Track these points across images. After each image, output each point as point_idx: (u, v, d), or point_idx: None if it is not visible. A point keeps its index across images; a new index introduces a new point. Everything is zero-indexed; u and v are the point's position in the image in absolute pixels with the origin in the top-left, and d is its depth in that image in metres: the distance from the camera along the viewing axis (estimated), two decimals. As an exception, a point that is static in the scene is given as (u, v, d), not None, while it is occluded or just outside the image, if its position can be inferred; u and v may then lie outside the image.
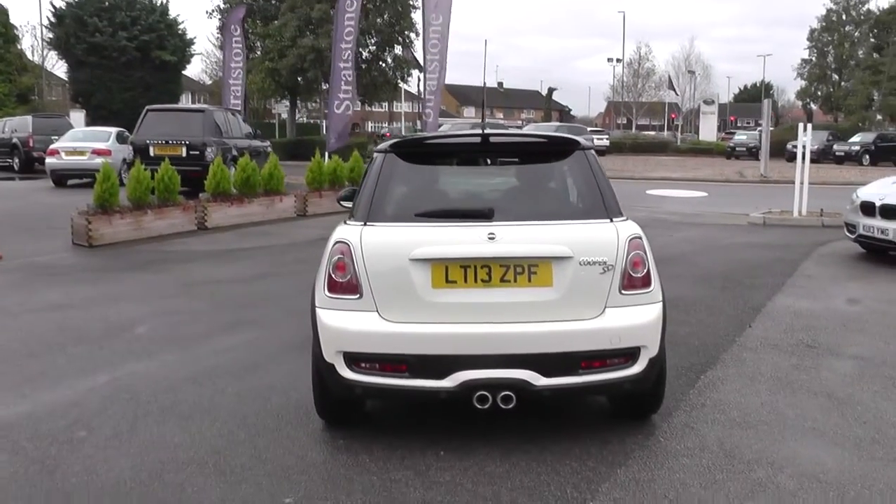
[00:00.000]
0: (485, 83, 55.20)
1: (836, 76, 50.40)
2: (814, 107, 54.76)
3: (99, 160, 16.25)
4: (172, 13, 37.53)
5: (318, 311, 3.67)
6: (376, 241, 3.61)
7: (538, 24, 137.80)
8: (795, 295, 7.13)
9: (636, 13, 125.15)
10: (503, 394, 3.48)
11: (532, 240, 3.60)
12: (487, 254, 3.54)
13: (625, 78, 62.81)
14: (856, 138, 33.67)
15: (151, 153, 13.09)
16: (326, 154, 18.37)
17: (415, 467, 3.50)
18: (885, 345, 5.57)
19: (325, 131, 26.99)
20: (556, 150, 3.97)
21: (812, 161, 12.07)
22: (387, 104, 51.72)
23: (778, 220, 12.30)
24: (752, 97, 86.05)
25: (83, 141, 17.63)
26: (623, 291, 3.66)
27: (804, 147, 12.30)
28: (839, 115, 48.36)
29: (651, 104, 67.30)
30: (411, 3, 31.65)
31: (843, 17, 49.52)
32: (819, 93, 50.64)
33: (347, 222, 3.85)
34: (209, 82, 49.58)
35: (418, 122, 65.56)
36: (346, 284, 3.60)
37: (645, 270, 3.72)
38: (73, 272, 8.28)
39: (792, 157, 30.40)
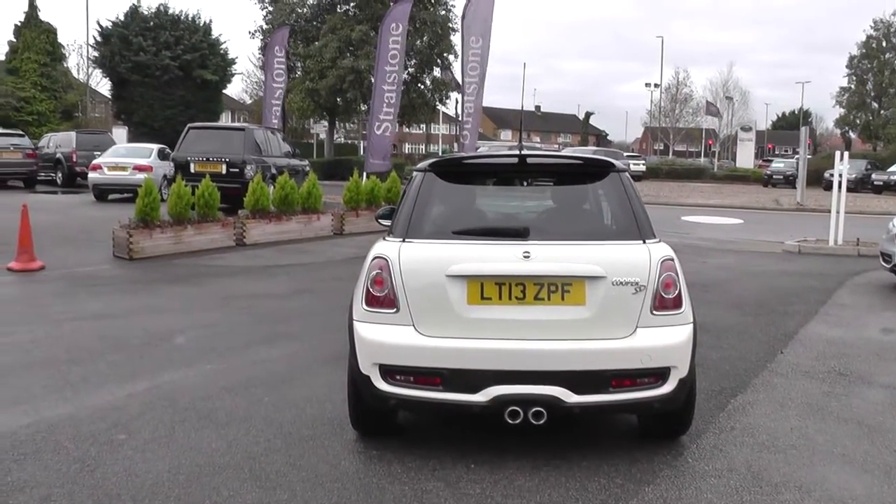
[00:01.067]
0: (522, 106, 55.37)
1: (875, 104, 49.75)
2: (853, 135, 54.09)
3: (140, 176, 16.72)
4: (215, 33, 38.56)
5: (356, 325, 3.78)
6: (414, 257, 3.71)
7: (577, 48, 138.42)
8: (828, 323, 7.08)
9: (675, 38, 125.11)
10: (534, 409, 3.54)
11: (566, 259, 3.68)
12: (522, 272, 3.63)
13: (662, 103, 62.68)
14: (895, 168, 33.14)
15: (192, 170, 13.42)
16: (364, 174, 18.71)
17: (446, 479, 3.58)
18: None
19: (363, 152, 27.53)
20: (591, 171, 4.06)
21: (850, 190, 11.96)
22: (424, 126, 52.25)
23: (813, 249, 12.18)
24: (791, 124, 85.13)
25: (125, 157, 18.11)
26: (654, 312, 3.72)
27: (840, 175, 12.20)
28: (878, 143, 47.67)
29: (688, 130, 66.95)
30: (451, 25, 32.06)
31: (884, 43, 48.95)
32: (858, 121, 50.04)
33: (386, 239, 3.97)
34: (249, 101, 50.61)
35: (454, 145, 66.13)
36: (383, 299, 3.71)
37: (676, 292, 3.78)
38: (113, 283, 8.53)
39: (829, 186, 29.99)
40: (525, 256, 3.65)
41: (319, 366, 5.49)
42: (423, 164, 4.12)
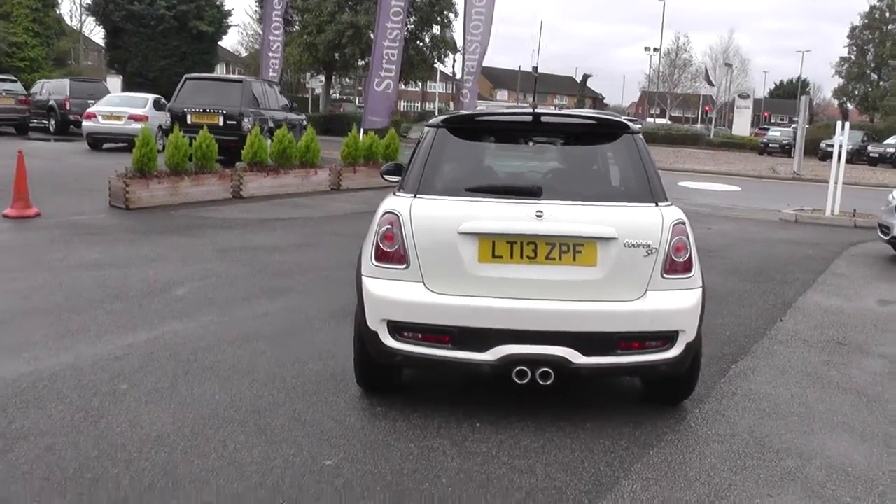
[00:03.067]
0: (536, 68, 54.72)
1: (875, 75, 49.42)
2: (850, 106, 53.84)
3: (135, 125, 16.50)
4: (211, -17, 37.65)
5: (364, 280, 3.74)
6: (425, 214, 3.67)
7: (577, 10, 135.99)
8: (826, 292, 7.10)
9: (678, 2, 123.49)
10: (542, 370, 3.55)
11: (579, 219, 3.64)
12: (535, 231, 3.59)
13: (661, 68, 62.11)
14: (892, 140, 33.06)
15: (189, 121, 13.23)
16: (362, 130, 18.51)
17: (451, 437, 3.59)
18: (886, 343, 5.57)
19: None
20: (605, 132, 4.00)
21: (846, 161, 11.93)
22: (420, 84, 51.61)
23: (810, 218, 12.18)
24: (788, 93, 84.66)
25: (120, 106, 17.84)
26: (665, 275, 3.70)
27: (840, 146, 12.15)
28: (875, 115, 47.49)
29: (686, 96, 66.52)
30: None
31: (887, 14, 48.41)
32: (856, 92, 49.78)
33: (397, 194, 3.92)
34: (244, 54, 49.80)
35: (451, 104, 65.36)
36: (393, 254, 3.67)
37: (687, 255, 3.76)
38: (110, 232, 8.45)
39: (825, 156, 30.14)
40: (538, 215, 3.61)
41: (321, 321, 5.47)
42: (435, 120, 4.05)
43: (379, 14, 17.79)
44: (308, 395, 4.07)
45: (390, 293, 3.65)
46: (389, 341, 3.65)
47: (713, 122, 56.05)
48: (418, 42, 32.74)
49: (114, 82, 29.18)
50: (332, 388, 4.16)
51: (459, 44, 18.59)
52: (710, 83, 57.06)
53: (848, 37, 50.38)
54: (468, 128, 3.95)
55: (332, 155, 15.54)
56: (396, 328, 3.64)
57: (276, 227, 9.39)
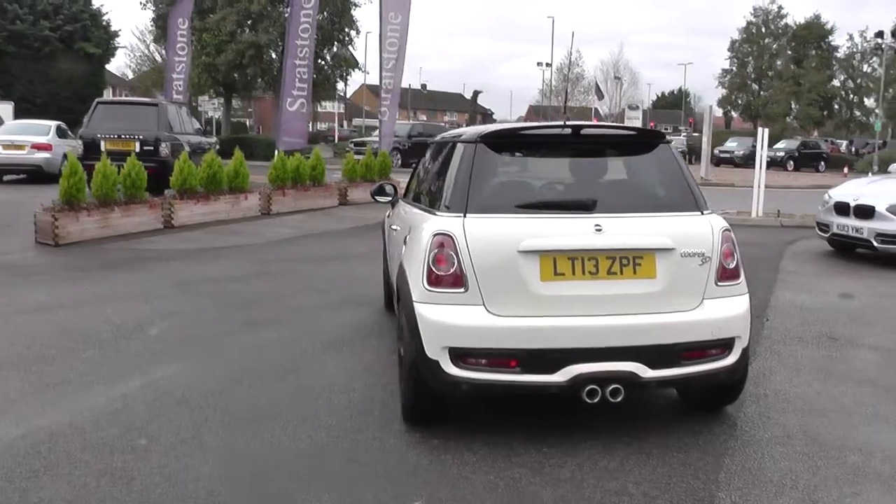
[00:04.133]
0: (425, 86, 54.87)
1: (755, 86, 52.73)
2: (734, 114, 57.18)
3: (40, 155, 15.42)
4: (96, 3, 35.83)
5: (418, 307, 3.52)
6: (482, 233, 3.50)
7: (461, 27, 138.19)
8: (792, 290, 7.38)
9: (562, 18, 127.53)
10: (612, 387, 3.44)
11: (637, 232, 3.57)
12: (595, 245, 3.49)
13: (554, 83, 63.91)
14: (781, 145, 35.26)
15: (103, 148, 12.39)
16: (276, 152, 17.97)
17: (527, 465, 3.41)
18: (887, 335, 5.84)
19: (251, 130, 26.07)
20: (643, 141, 3.96)
21: (738, 165, 12.64)
22: (314, 104, 50.86)
23: (738, 221, 12.69)
24: (670, 104, 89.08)
25: (21, 134, 16.49)
26: (719, 283, 3.69)
27: (762, 152, 12.81)
28: (759, 122, 50.67)
29: (580, 109, 68.66)
30: (352, 0, 31.21)
31: (763, 30, 51.89)
32: (739, 101, 52.93)
33: (438, 214, 3.72)
34: (132, 76, 47.43)
35: (344, 124, 64.75)
36: (449, 278, 3.48)
37: (735, 262, 3.77)
38: (48, 271, 7.75)
39: (719, 162, 31.87)
40: (597, 230, 3.52)
41: (319, 352, 5.17)
42: (470, 136, 3.88)
43: (288, 31, 17.39)
44: (350, 432, 3.78)
45: (451, 319, 3.45)
46: (452, 370, 3.44)
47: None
48: (319, 61, 32.26)
49: (5, 108, 26.94)
50: (372, 423, 3.89)
51: (372, 61, 18.32)
52: (599, 96, 59.22)
53: (729, 50, 53.62)
54: (508, 143, 3.81)
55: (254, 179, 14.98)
56: (459, 355, 3.44)
57: (221, 257, 8.90)
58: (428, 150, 5.24)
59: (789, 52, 50.40)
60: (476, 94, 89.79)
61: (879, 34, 36.59)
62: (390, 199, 5.59)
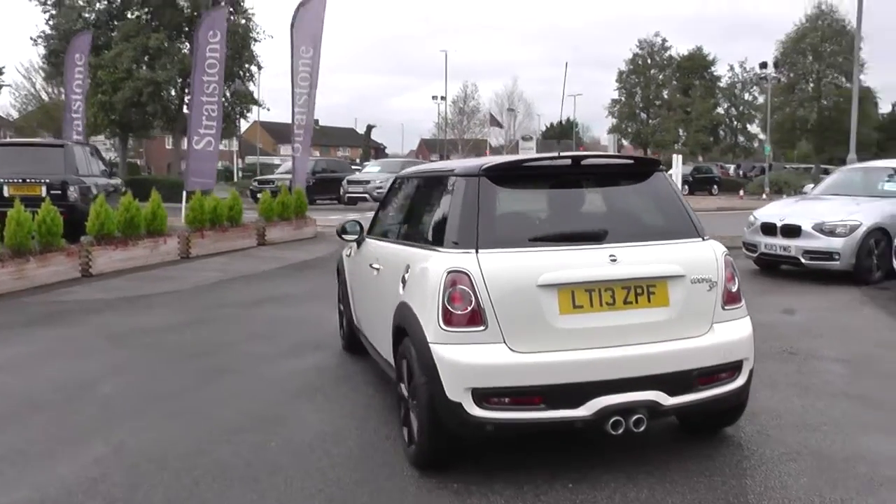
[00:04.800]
0: (318, 121, 54.56)
1: (644, 115, 55.28)
2: (625, 142, 59.68)
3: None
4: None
5: (435, 348, 3.38)
6: (498, 269, 3.40)
7: (348, 62, 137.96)
8: (735, 308, 7.62)
9: (452, 52, 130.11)
10: (636, 417, 3.39)
11: (650, 260, 3.58)
12: (611, 276, 3.47)
13: (449, 115, 64.86)
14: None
15: (6, 193, 11.50)
16: (184, 193, 17.28)
17: (558, 502, 3.30)
18: (848, 346, 6.12)
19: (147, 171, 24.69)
20: (639, 171, 3.98)
21: None
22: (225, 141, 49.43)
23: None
24: (558, 134, 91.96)
25: None
26: (725, 307, 3.73)
27: (679, 177, 13.31)
28: (648, 149, 53.01)
29: (476, 141, 69.86)
30: (252, 35, 30.60)
31: (649, 61, 54.65)
32: (629, 129, 55.31)
33: (442, 250, 3.59)
34: (17, 116, 44.51)
35: (241, 161, 63.08)
36: (466, 316, 3.36)
37: (737, 285, 3.83)
38: (-39, 331, 7.05)
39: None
40: (612, 260, 3.49)
41: (292, 401, 4.90)
42: (469, 169, 3.78)
43: (194, 67, 16.87)
44: (363, 483, 3.57)
45: (472, 359, 3.32)
46: (476, 411, 3.31)
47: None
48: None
49: None
50: (380, 472, 3.68)
51: (268, 97, 17.92)
52: (498, 125, 60.49)
53: (617, 81, 56.06)
54: (510, 175, 3.74)
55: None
56: (483, 396, 3.31)
57: (152, 306, 8.37)
58: (400, 186, 5.11)
59: (674, 83, 53.26)
60: (370, 128, 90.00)
61: (763, 65, 39.26)
62: (356, 237, 5.41)
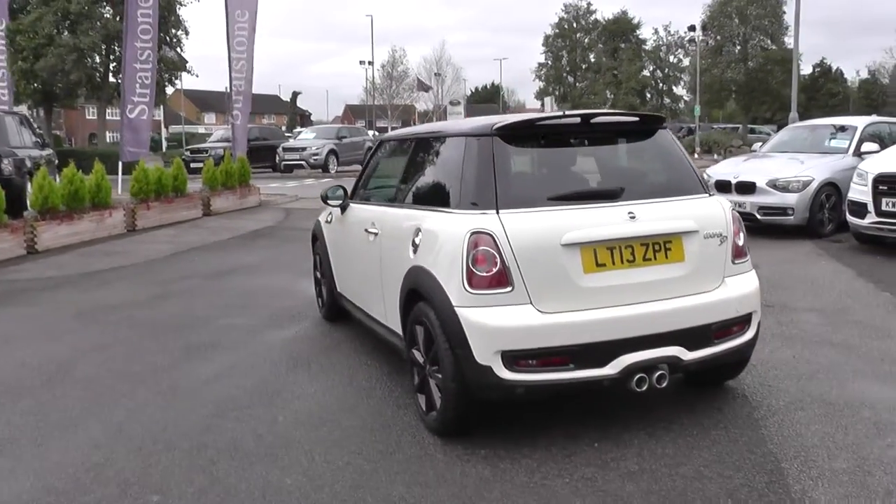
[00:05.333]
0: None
1: (570, 78, 55.86)
2: (554, 105, 60.11)
3: None
4: None
5: (462, 311, 3.32)
6: (522, 229, 3.35)
7: (268, 29, 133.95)
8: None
9: (378, 16, 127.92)
10: (658, 373, 3.43)
11: (667, 217, 3.59)
12: (631, 233, 3.47)
13: (377, 80, 63.84)
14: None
15: (-66, 168, 10.77)
16: (120, 164, 16.58)
17: (590, 462, 3.33)
18: (818, 297, 6.35)
19: (69, 143, 23.48)
20: (646, 128, 3.97)
21: None
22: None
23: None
24: (483, 98, 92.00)
25: None
26: (735, 261, 3.79)
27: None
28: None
29: (405, 106, 69.11)
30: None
31: (574, 25, 55.06)
32: (556, 93, 55.80)
33: (459, 211, 3.51)
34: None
35: (163, 130, 60.77)
36: (493, 278, 3.31)
37: (743, 240, 3.89)
38: None
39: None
40: (631, 217, 3.49)
41: (289, 373, 4.79)
42: (481, 129, 3.69)
43: (126, 33, 16.12)
44: (388, 454, 3.49)
45: (501, 321, 3.28)
46: (506, 374, 3.28)
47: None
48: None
49: None
50: (403, 442, 3.62)
51: (217, 63, 17.31)
52: (425, 89, 59.91)
53: (543, 45, 56.34)
54: (522, 134, 3.67)
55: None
56: (513, 358, 3.28)
57: (110, 281, 8.02)
58: (392, 149, 4.99)
59: (601, 46, 53.96)
60: (295, 95, 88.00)
61: (692, 28, 40.01)
62: (340, 202, 5.28)
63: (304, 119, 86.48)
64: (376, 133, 48.19)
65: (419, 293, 3.66)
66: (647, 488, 3.08)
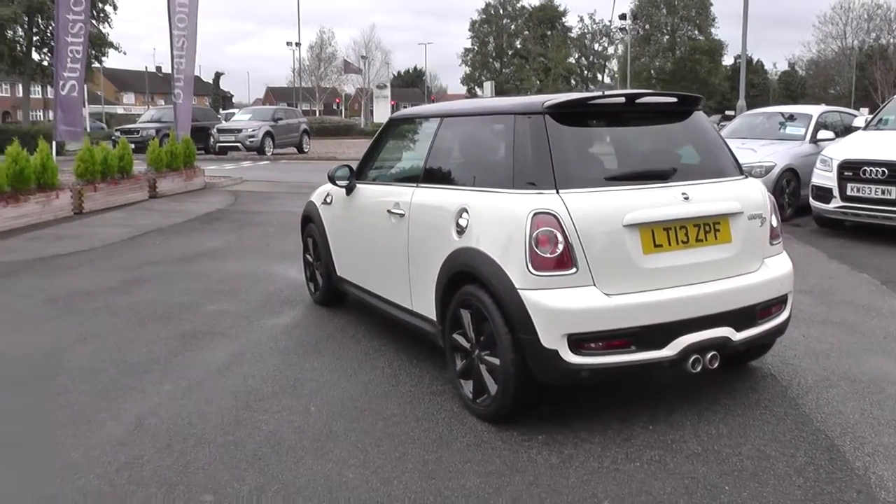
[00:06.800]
0: (160, 68, 51.22)
1: (497, 63, 56.10)
2: (479, 91, 60.31)
3: None
4: None
5: (525, 294, 3.24)
6: (585, 208, 3.29)
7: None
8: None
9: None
10: (710, 354, 3.45)
11: (716, 198, 3.60)
12: (686, 214, 3.47)
13: (306, 62, 62.62)
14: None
15: None
16: (53, 144, 15.67)
17: (653, 445, 3.32)
18: (802, 279, 6.45)
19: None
20: (684, 109, 3.95)
21: None
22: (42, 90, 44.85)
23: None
24: (406, 83, 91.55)
25: None
26: (772, 242, 3.84)
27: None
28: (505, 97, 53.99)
29: (332, 89, 67.99)
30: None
31: (501, 11, 55.30)
32: (483, 78, 55.95)
33: (519, 192, 3.42)
34: None
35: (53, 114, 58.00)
36: (557, 259, 3.24)
37: (777, 221, 3.95)
38: None
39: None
40: (685, 198, 3.48)
41: (299, 360, 4.62)
42: (531, 107, 3.59)
43: (57, 4, 15.19)
44: (444, 443, 3.38)
45: (568, 303, 3.22)
46: (572, 357, 3.22)
47: (363, 112, 58.39)
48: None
49: None
50: (458, 430, 3.50)
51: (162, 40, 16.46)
52: (356, 71, 59.09)
53: (470, 30, 56.39)
54: (573, 113, 3.60)
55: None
56: (578, 341, 3.23)
57: (72, 266, 7.55)
58: (413, 128, 4.84)
59: (527, 32, 54.40)
60: (218, 76, 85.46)
61: (623, 17, 40.72)
62: (347, 183, 5.10)
63: (226, 101, 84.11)
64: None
65: (469, 275, 3.55)
66: (718, 469, 3.09)
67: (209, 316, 5.63)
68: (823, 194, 8.48)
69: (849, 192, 8.17)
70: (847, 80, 49.75)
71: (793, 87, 54.49)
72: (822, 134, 10.07)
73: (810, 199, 8.82)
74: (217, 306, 5.90)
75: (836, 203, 8.31)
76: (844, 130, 10.29)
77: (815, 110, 11.02)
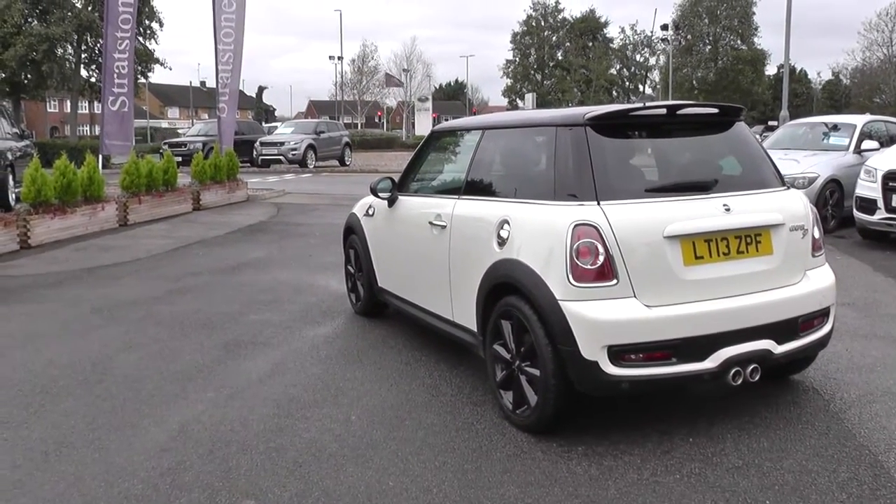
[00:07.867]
0: (205, 83, 52.04)
1: (538, 76, 56.15)
2: (520, 103, 60.37)
3: None
4: None
5: (566, 305, 3.26)
6: (626, 220, 3.30)
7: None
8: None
9: (347, 12, 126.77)
10: (752, 366, 3.42)
11: (758, 209, 3.58)
12: (727, 226, 3.46)
13: (349, 76, 63.37)
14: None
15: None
16: (100, 158, 16.11)
17: (692, 457, 3.31)
18: (846, 292, 6.41)
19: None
20: (725, 120, 3.94)
21: None
22: (88, 105, 45.95)
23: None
24: (447, 95, 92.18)
25: None
26: (814, 254, 3.80)
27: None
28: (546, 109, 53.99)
29: (374, 103, 68.67)
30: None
31: (542, 23, 55.37)
32: (524, 90, 56.04)
33: (560, 204, 3.44)
34: None
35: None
36: (598, 271, 3.25)
37: (820, 233, 3.90)
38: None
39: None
40: (726, 209, 3.47)
41: (340, 369, 4.68)
42: (572, 118, 3.62)
43: (106, 22, 15.65)
44: (485, 453, 3.41)
45: (609, 315, 3.23)
46: (612, 369, 3.23)
47: (404, 125, 58.84)
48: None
49: None
50: (499, 441, 3.52)
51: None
52: (397, 84, 59.62)
53: (511, 42, 56.54)
54: (614, 125, 3.61)
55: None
56: (619, 353, 3.23)
57: (117, 276, 7.77)
58: (455, 141, 4.90)
59: (568, 44, 54.36)
60: (261, 90, 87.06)
61: (665, 27, 40.42)
62: (389, 195, 5.18)
63: (268, 114, 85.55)
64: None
65: (509, 287, 3.58)
66: (758, 483, 3.06)
67: (251, 325, 5.73)
68: (868, 205, 8.32)
69: (894, 204, 8.00)
70: (893, 88, 48.81)
71: (837, 97, 53.59)
72: (867, 144, 9.89)
73: (854, 210, 8.66)
74: (259, 316, 6.01)
75: (880, 214, 8.15)
76: (890, 140, 10.09)
77: (859, 120, 10.82)
